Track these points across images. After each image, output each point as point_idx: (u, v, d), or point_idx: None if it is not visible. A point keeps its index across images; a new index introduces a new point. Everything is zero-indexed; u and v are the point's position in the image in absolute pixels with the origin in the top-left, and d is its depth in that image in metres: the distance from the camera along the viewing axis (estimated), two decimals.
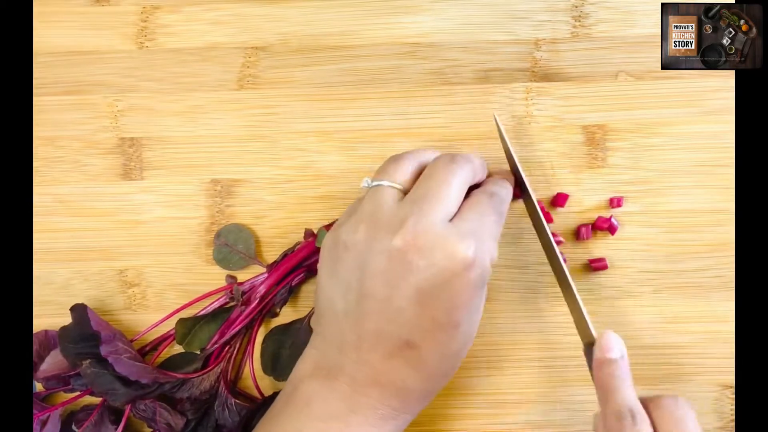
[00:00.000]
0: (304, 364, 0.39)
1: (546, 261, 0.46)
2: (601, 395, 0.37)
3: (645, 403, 0.36)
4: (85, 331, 0.43)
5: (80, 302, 0.45)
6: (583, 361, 0.46)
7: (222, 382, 0.44)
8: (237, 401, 0.43)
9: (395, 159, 0.40)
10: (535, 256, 0.46)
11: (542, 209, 0.44)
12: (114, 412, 0.44)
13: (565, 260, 0.43)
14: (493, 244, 0.38)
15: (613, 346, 0.37)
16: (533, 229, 0.46)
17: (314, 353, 0.39)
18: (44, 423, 0.44)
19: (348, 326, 0.37)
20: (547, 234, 0.42)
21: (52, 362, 0.44)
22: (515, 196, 0.44)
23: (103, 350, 0.42)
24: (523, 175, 0.43)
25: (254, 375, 0.45)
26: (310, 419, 0.37)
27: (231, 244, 0.46)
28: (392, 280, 0.36)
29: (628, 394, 0.36)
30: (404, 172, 0.39)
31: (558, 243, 0.45)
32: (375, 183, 0.39)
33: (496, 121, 0.45)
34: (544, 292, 0.46)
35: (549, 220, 0.45)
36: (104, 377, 0.42)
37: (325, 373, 0.37)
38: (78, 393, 0.44)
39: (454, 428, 0.45)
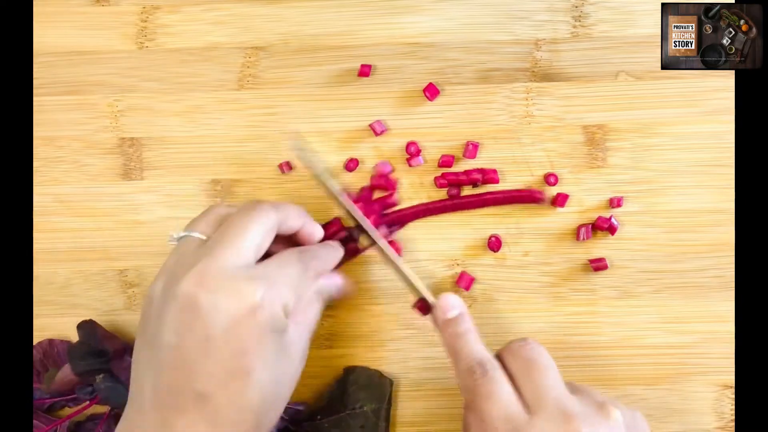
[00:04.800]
0: None
1: (546, 261, 0.46)
2: (452, 357, 0.37)
3: (498, 354, 0.37)
4: (94, 347, 0.43)
5: (85, 320, 0.45)
6: (584, 360, 0.46)
7: None
8: None
9: (204, 212, 0.39)
10: (534, 257, 0.46)
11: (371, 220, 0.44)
12: None
13: (399, 251, 0.45)
14: (289, 293, 0.36)
15: (452, 306, 0.38)
16: (532, 230, 0.46)
17: (121, 424, 0.36)
18: None
19: (147, 383, 0.35)
20: (372, 235, 0.42)
21: (62, 378, 0.44)
22: (353, 254, 0.45)
23: (114, 366, 0.42)
24: (347, 203, 0.43)
25: None
26: None
27: None
28: (182, 326, 0.34)
29: (474, 347, 0.36)
30: (208, 223, 0.38)
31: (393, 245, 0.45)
32: (180, 235, 0.38)
33: (297, 149, 0.45)
34: (544, 292, 0.46)
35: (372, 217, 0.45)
36: (118, 390, 0.42)
37: None
38: (85, 404, 0.44)
39: (455, 428, 0.45)
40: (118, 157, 0.47)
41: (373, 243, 0.42)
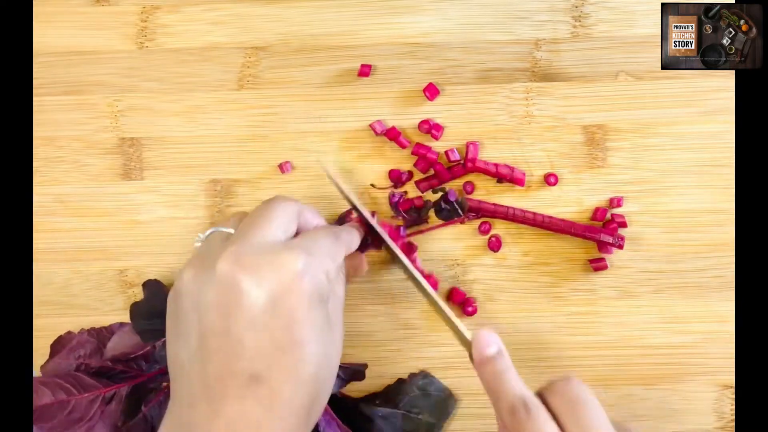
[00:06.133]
0: None
1: (546, 261, 0.46)
2: (491, 396, 0.35)
3: (540, 392, 0.35)
4: (157, 307, 0.43)
5: (151, 279, 0.45)
6: (584, 360, 0.46)
7: None
8: None
9: (228, 216, 0.39)
10: (534, 257, 0.46)
11: (402, 246, 0.43)
12: None
13: (435, 285, 0.44)
14: (328, 262, 0.36)
15: (489, 343, 0.36)
16: (532, 230, 0.46)
17: (167, 421, 0.35)
18: (109, 400, 0.43)
19: (194, 375, 0.34)
20: (410, 269, 0.41)
21: (118, 341, 0.44)
22: (374, 246, 0.43)
23: None
24: (370, 217, 0.42)
25: None
26: None
27: None
28: (226, 308, 0.34)
29: (515, 385, 0.35)
30: (232, 220, 0.38)
31: (426, 276, 0.44)
32: (206, 233, 0.38)
33: (327, 171, 0.44)
34: (544, 292, 0.46)
35: (410, 252, 0.44)
36: None
37: None
38: (150, 373, 0.44)
39: (455, 428, 0.45)
40: (118, 157, 0.47)
41: (410, 275, 0.41)
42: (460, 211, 0.45)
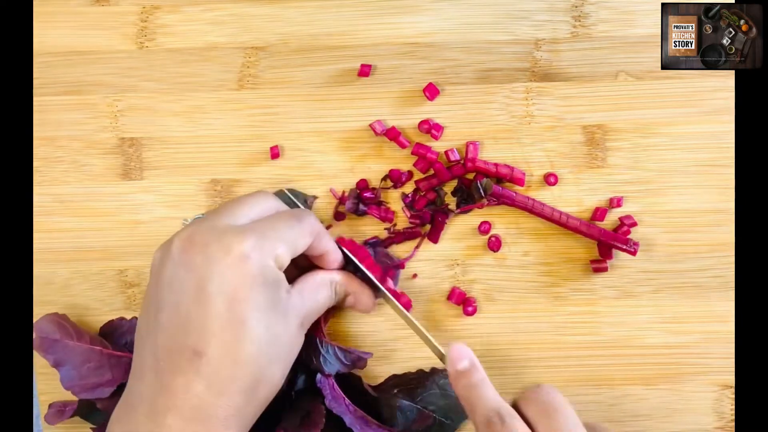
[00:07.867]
0: (115, 409, 0.37)
1: (546, 261, 0.46)
2: (467, 409, 0.36)
3: (515, 402, 0.36)
4: None
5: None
6: (584, 360, 0.46)
7: None
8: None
9: None
10: (534, 257, 0.46)
11: (378, 274, 0.43)
12: None
13: (408, 304, 0.45)
14: (281, 246, 0.37)
15: (462, 356, 0.37)
16: (532, 230, 0.46)
17: (124, 394, 0.37)
18: None
19: (147, 348, 0.36)
20: (381, 289, 0.42)
21: None
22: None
23: None
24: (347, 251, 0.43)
25: None
26: None
27: None
28: (177, 283, 0.36)
29: (490, 397, 0.35)
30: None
31: (401, 299, 0.45)
32: (191, 219, 0.40)
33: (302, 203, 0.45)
34: (544, 292, 0.46)
35: (385, 279, 0.44)
36: None
37: (126, 411, 0.36)
38: None
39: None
40: (118, 157, 0.47)
41: (384, 295, 0.42)
42: (482, 192, 0.44)
